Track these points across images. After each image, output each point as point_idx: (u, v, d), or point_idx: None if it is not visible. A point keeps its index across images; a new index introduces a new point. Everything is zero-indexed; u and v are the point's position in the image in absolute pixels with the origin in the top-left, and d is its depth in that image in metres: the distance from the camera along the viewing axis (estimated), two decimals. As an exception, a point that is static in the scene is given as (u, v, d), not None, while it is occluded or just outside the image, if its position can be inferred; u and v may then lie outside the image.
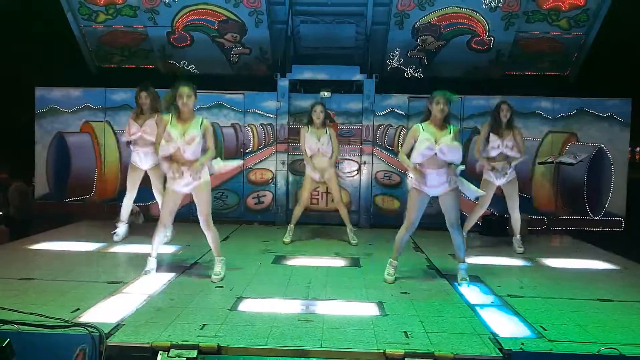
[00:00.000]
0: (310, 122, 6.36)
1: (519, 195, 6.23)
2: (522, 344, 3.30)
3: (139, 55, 8.94)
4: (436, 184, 4.63)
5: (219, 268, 4.75)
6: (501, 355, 3.19)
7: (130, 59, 9.00)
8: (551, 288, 4.71)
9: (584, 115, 7.97)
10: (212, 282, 4.63)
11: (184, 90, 4.44)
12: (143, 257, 5.58)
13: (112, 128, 8.08)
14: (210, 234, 4.73)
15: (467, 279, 4.77)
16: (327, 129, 6.37)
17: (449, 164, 4.62)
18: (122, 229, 6.34)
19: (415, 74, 8.87)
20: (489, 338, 3.43)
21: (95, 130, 8.13)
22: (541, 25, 8.38)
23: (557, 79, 8.89)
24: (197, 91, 6.73)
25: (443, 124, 4.63)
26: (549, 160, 7.58)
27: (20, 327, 3.24)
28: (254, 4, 8.17)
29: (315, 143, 6.29)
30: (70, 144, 8.16)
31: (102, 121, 8.12)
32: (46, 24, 8.34)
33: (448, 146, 4.53)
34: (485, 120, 7.48)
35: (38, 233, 6.77)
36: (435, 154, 4.55)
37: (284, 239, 6.49)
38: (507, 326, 3.71)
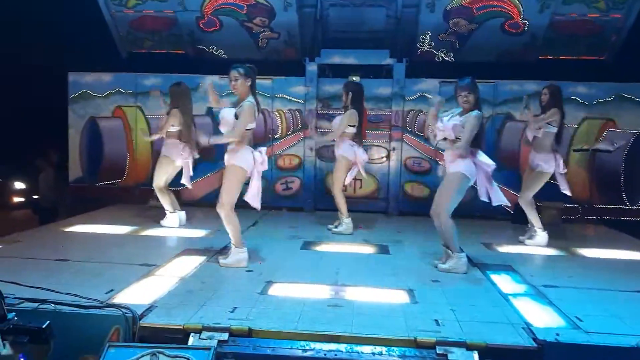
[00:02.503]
0: None
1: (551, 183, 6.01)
2: (557, 334, 3.22)
3: (168, 40, 8.98)
4: (446, 162, 4.71)
5: (229, 254, 4.69)
6: (535, 345, 3.12)
7: (160, 44, 9.05)
8: (586, 278, 4.59)
9: (622, 100, 7.70)
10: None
11: (229, 74, 4.52)
12: (175, 240, 5.69)
13: (143, 113, 8.18)
14: (222, 218, 4.59)
15: (447, 267, 4.64)
16: (348, 110, 6.15)
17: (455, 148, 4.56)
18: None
19: (446, 58, 8.68)
20: (523, 328, 3.36)
21: (127, 114, 8.24)
22: (578, 7, 8.07)
23: (594, 63, 8.56)
24: (224, 76, 6.75)
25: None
26: (585, 147, 7.36)
27: (57, 306, 3.32)
28: (282, -13, 8.11)
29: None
30: (102, 129, 8.30)
31: (133, 106, 8.23)
32: (78, 10, 8.42)
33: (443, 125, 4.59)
34: (518, 106, 7.26)
35: (72, 216, 6.93)
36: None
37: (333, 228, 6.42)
38: (541, 316, 3.63)
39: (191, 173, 6.26)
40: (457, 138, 4.54)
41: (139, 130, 8.01)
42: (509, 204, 4.83)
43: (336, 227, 6.36)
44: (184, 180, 6.19)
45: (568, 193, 5.95)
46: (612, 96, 7.71)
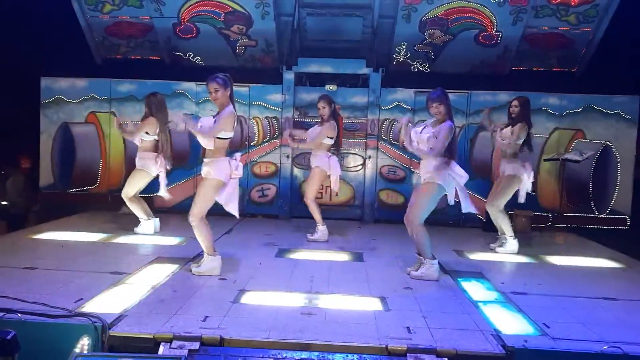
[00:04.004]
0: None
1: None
2: (525, 341, 3.28)
3: (144, 47, 8.92)
4: (421, 172, 4.81)
5: (201, 262, 4.65)
6: (504, 352, 3.17)
7: (136, 50, 8.98)
8: (555, 286, 4.69)
9: (591, 112, 7.91)
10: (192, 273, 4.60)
11: (208, 86, 4.50)
12: (147, 248, 5.63)
13: (116, 116, 8.08)
14: (194, 229, 4.56)
15: (419, 274, 4.70)
16: (328, 123, 6.15)
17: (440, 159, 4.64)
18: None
19: (422, 68, 8.81)
20: (492, 335, 3.41)
21: (101, 121, 8.14)
22: (550, 20, 8.28)
23: (565, 75, 8.80)
24: (200, 83, 6.70)
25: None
26: (555, 157, 7.53)
27: (24, 316, 3.25)
28: (260, -5, 8.13)
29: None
30: (75, 135, 8.18)
31: (107, 112, 8.13)
32: (52, 14, 8.31)
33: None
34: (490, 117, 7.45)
35: (42, 223, 6.80)
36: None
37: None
38: (510, 323, 3.69)
39: (165, 182, 6.15)
40: (430, 149, 4.64)
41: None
42: (476, 212, 4.94)
43: (312, 234, 6.37)
44: (161, 192, 6.05)
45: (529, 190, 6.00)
46: (581, 107, 7.92)
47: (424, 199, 4.69)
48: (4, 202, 8.08)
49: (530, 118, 5.97)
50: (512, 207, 6.48)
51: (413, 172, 7.81)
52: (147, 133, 6.13)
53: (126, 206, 6.41)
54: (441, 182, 4.63)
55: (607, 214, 7.89)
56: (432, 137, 4.64)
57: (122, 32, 8.75)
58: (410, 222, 4.73)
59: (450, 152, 4.69)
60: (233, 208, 4.62)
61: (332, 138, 6.19)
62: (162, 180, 6.09)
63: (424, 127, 4.78)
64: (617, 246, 6.43)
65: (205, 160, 4.57)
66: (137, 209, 6.27)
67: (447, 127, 4.60)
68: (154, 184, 6.34)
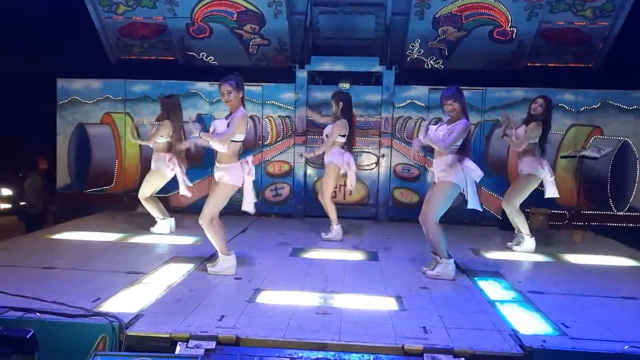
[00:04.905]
0: None
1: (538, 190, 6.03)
2: (544, 341, 3.24)
3: (158, 47, 8.99)
4: (435, 170, 4.76)
5: (216, 261, 4.68)
6: (522, 352, 3.13)
7: (150, 50, 9.06)
8: (573, 284, 4.62)
9: (608, 107, 7.79)
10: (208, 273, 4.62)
11: (220, 88, 4.52)
12: (163, 248, 5.66)
13: (132, 119, 8.15)
14: (205, 230, 4.59)
15: (435, 274, 4.66)
16: (339, 121, 6.15)
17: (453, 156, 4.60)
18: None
19: (435, 65, 8.75)
20: (510, 334, 3.37)
21: (116, 121, 8.22)
22: (565, 15, 8.18)
23: (581, 71, 8.69)
24: (214, 83, 6.72)
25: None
26: (572, 154, 7.43)
27: (42, 315, 3.29)
28: (272, -6, 8.14)
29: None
30: (91, 135, 8.26)
31: (122, 112, 8.20)
32: (67, 15, 8.41)
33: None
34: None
35: (59, 223, 6.87)
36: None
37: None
38: (528, 323, 3.65)
39: (188, 183, 6.13)
40: (442, 140, 4.60)
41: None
42: (481, 210, 4.89)
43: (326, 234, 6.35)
44: (182, 191, 5.99)
45: (556, 195, 5.88)
46: (598, 103, 7.80)
47: (439, 198, 4.65)
48: (22, 203, 8.21)
49: (550, 120, 5.81)
50: (529, 205, 6.40)
51: (427, 170, 7.76)
52: (161, 135, 6.18)
53: (142, 206, 6.46)
54: (455, 180, 4.58)
55: (625, 212, 7.77)
56: (446, 134, 4.61)
57: (136, 33, 8.83)
58: (426, 220, 4.70)
59: (464, 151, 4.64)
60: (248, 205, 4.65)
61: (343, 136, 6.16)
62: (181, 179, 6.09)
63: (440, 125, 4.76)
64: (636, 244, 6.31)
65: (218, 165, 4.57)
66: (152, 209, 6.32)
67: (462, 125, 4.56)
68: (169, 184, 6.40)
